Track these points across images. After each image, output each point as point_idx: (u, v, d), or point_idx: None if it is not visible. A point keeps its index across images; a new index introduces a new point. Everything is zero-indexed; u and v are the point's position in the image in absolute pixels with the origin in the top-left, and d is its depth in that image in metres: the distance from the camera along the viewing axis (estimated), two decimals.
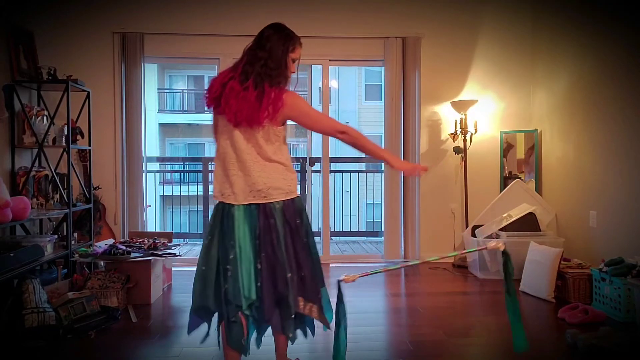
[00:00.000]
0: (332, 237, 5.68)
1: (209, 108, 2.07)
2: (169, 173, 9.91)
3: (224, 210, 2.01)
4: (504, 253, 2.02)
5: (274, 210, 1.97)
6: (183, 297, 3.61)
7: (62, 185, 3.86)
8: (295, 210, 2.02)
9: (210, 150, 13.30)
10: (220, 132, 2.03)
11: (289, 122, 2.01)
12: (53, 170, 3.86)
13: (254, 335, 2.12)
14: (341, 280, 1.87)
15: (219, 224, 2.01)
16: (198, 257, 2.05)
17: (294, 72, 2.05)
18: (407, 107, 4.66)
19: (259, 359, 2.30)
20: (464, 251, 2.55)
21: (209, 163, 6.45)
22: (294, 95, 1.98)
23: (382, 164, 4.86)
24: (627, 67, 3.48)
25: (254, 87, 1.92)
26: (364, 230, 8.57)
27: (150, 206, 4.95)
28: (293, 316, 1.98)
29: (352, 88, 14.63)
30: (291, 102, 1.95)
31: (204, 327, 2.10)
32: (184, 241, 5.37)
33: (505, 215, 4.13)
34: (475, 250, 2.02)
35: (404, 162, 2.15)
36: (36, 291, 2.79)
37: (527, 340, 2.04)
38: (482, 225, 4.23)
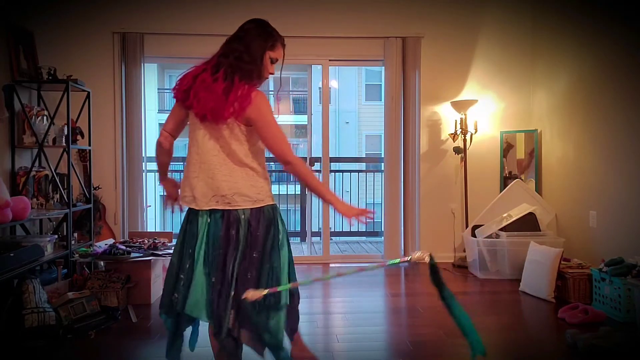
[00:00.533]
0: (332, 237, 5.67)
1: (177, 102, 1.92)
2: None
3: (189, 215, 1.90)
4: (430, 264, 1.82)
5: (238, 220, 1.82)
6: None
7: (62, 185, 3.86)
8: (262, 221, 1.84)
9: None
10: (190, 130, 1.92)
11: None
12: (53, 170, 3.86)
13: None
14: (245, 298, 1.70)
15: (184, 228, 1.91)
16: None
17: (272, 73, 1.92)
18: (407, 107, 4.66)
19: None
20: (385, 263, 2.14)
21: None
22: (263, 98, 1.81)
23: (382, 164, 4.87)
24: (627, 67, 3.48)
25: (224, 79, 1.79)
26: (364, 230, 8.56)
27: (150, 206, 4.95)
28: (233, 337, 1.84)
29: (352, 88, 14.64)
30: (257, 103, 1.79)
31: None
32: None
33: (505, 215, 4.13)
34: (398, 263, 1.82)
35: (350, 207, 1.92)
36: (36, 291, 2.79)
37: (482, 344, 1.87)
38: (482, 225, 4.23)
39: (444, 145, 4.82)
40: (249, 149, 1.86)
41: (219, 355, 1.93)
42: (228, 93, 1.77)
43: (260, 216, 1.86)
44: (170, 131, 2.01)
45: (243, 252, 1.82)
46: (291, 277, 1.93)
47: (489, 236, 4.10)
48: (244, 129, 1.83)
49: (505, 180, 4.75)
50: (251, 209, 1.84)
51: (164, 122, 2.08)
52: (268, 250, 1.85)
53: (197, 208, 1.86)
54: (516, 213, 4.11)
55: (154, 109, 12.62)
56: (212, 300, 1.80)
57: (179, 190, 2.01)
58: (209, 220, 1.85)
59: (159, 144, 2.04)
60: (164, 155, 2.07)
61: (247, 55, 1.83)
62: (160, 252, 3.54)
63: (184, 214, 2.07)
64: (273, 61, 1.91)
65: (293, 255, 1.99)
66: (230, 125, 1.81)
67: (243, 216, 1.84)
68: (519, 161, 4.76)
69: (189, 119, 1.94)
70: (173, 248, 1.96)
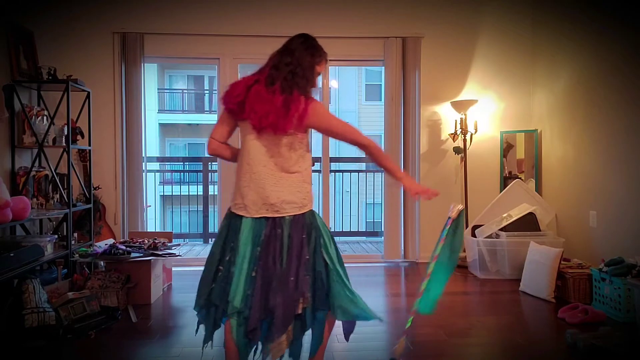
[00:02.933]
0: None
1: (229, 112, 1.97)
2: (169, 173, 9.91)
3: (232, 216, 1.99)
4: (460, 212, 2.12)
5: (283, 222, 1.92)
6: (183, 297, 3.61)
7: (62, 185, 3.86)
8: (304, 224, 1.94)
9: None
10: (241, 139, 1.99)
11: None
12: (53, 170, 3.86)
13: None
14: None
15: (227, 224, 1.99)
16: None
17: (315, 87, 2.02)
18: (407, 107, 4.66)
19: None
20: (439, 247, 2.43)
21: (209, 163, 6.45)
22: (320, 105, 1.94)
23: None
24: (627, 67, 3.48)
25: (281, 92, 1.87)
26: (364, 230, 8.57)
27: (150, 206, 4.95)
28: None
29: (352, 88, 14.64)
30: (316, 111, 1.91)
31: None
32: (184, 241, 5.38)
33: (505, 215, 4.13)
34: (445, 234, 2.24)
35: (417, 184, 2.10)
36: (36, 291, 2.79)
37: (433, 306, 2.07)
38: (482, 225, 4.23)
39: (444, 145, 4.82)
40: (301, 154, 1.96)
41: (232, 353, 1.95)
42: (288, 106, 1.85)
43: (302, 221, 1.94)
44: (218, 139, 2.05)
45: (289, 253, 1.89)
46: (344, 277, 1.98)
47: (489, 236, 4.09)
48: (299, 137, 1.94)
49: (505, 180, 4.75)
50: (294, 215, 1.93)
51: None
52: (310, 255, 1.92)
53: (247, 216, 1.93)
54: (516, 213, 4.11)
55: (154, 109, 12.63)
56: (252, 294, 1.86)
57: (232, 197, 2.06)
58: (253, 221, 1.93)
59: (211, 152, 2.10)
60: (222, 153, 2.08)
61: (300, 69, 1.91)
62: (160, 252, 3.54)
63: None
64: (317, 74, 2.00)
65: None
66: (291, 135, 1.90)
67: (287, 219, 1.92)
68: (519, 161, 4.76)
69: (239, 129, 2.00)
70: (212, 244, 2.02)
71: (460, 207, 2.11)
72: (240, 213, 1.94)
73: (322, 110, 1.94)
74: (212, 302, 1.93)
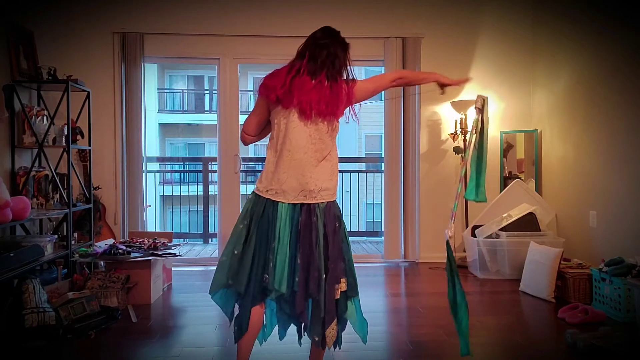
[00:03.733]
0: None
1: (273, 101, 1.99)
2: (169, 173, 9.91)
3: (267, 201, 2.01)
4: (484, 102, 2.23)
5: (317, 208, 1.99)
6: (183, 297, 3.61)
7: (62, 185, 3.86)
8: (334, 213, 2.03)
9: (210, 150, 13.29)
10: (280, 128, 2.01)
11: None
12: (53, 170, 3.86)
13: (275, 327, 2.16)
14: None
15: (261, 211, 2.00)
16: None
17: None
18: (407, 107, 4.66)
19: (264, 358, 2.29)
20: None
21: (209, 163, 6.45)
22: (359, 82, 2.08)
23: (382, 164, 4.87)
24: (627, 67, 3.48)
25: (327, 81, 1.99)
26: (364, 230, 8.57)
27: (150, 206, 4.95)
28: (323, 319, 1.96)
29: None
30: (359, 88, 2.06)
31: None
32: (184, 241, 5.36)
33: (505, 215, 4.13)
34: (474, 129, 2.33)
35: (450, 80, 2.22)
36: (36, 291, 2.79)
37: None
38: (482, 225, 4.23)
39: (444, 145, 4.82)
40: (334, 143, 2.05)
41: (249, 340, 1.99)
42: (337, 93, 1.98)
43: (333, 209, 2.03)
44: (252, 134, 2.15)
45: (325, 241, 1.97)
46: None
47: (489, 236, 4.10)
48: (337, 124, 2.04)
49: (505, 180, 4.75)
50: (327, 202, 2.01)
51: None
52: (341, 243, 2.02)
53: (285, 202, 1.98)
54: (516, 213, 4.11)
55: (154, 109, 12.61)
56: (298, 281, 1.92)
57: (260, 182, 2.08)
58: (289, 207, 1.98)
59: (246, 145, 2.24)
60: (254, 141, 2.21)
61: (338, 61, 2.04)
62: (160, 252, 3.54)
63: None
64: (349, 62, 2.13)
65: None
66: (335, 122, 2.02)
67: (321, 206, 2.00)
68: (519, 161, 4.76)
69: (276, 118, 2.02)
70: (240, 229, 2.02)
71: (485, 96, 2.25)
72: (277, 199, 1.99)
73: (362, 85, 2.07)
74: (267, 292, 1.95)
